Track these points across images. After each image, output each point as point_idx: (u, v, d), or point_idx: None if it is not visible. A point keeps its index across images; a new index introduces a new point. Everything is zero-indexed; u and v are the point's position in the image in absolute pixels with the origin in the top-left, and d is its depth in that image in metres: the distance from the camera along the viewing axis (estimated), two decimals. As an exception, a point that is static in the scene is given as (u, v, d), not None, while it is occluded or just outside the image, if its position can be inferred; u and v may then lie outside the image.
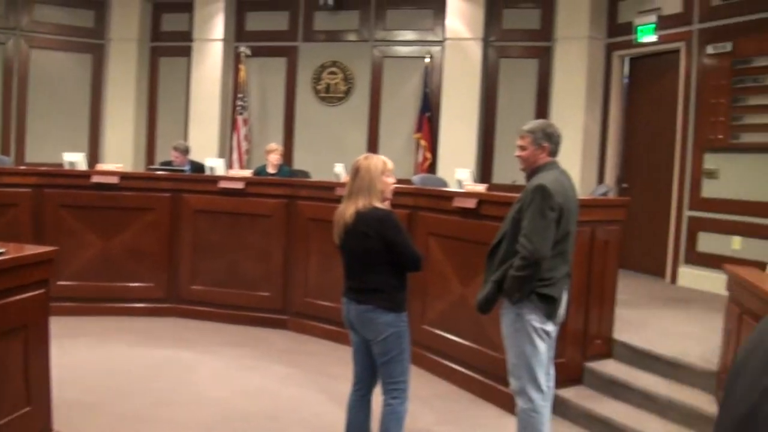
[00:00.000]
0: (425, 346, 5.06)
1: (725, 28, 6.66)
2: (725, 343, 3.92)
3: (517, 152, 3.36)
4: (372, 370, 3.36)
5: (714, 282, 5.80)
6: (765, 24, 6.29)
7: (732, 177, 6.61)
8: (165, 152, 8.31)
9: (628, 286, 6.18)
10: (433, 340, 5.03)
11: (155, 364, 4.90)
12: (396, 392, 3.26)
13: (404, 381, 3.28)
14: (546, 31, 8.31)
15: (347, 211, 3.23)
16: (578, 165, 7.79)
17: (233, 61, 9.31)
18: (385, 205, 3.26)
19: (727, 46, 6.58)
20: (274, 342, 5.66)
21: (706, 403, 3.90)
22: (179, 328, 5.91)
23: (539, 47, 8.38)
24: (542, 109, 8.23)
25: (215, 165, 6.64)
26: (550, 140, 3.30)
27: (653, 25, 7.31)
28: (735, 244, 6.49)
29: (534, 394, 3.24)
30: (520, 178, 3.44)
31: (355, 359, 3.42)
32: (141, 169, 9.19)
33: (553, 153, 3.32)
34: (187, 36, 9.42)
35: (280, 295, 6.07)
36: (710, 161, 6.80)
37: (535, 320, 3.19)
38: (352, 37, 9.06)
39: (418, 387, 4.39)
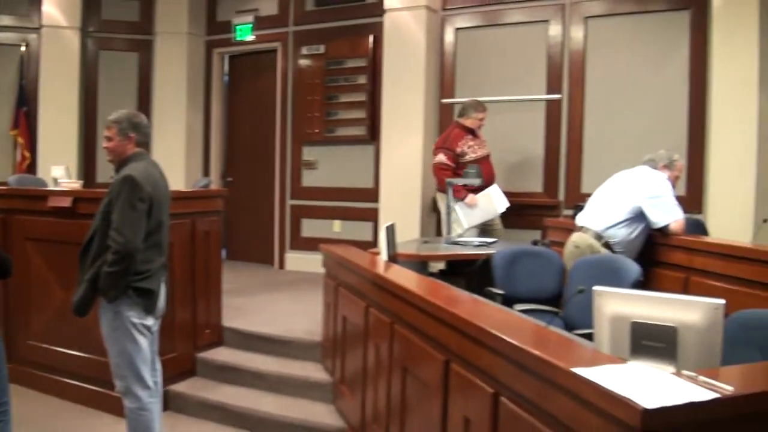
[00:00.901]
0: (32, 362, 4.59)
1: (318, 32, 7.32)
2: (326, 314, 4.31)
3: (104, 143, 3.23)
4: None
5: (318, 263, 6.29)
6: (353, 29, 7.09)
7: (328, 167, 7.33)
8: None
9: (238, 276, 6.44)
10: (40, 355, 4.58)
11: None
12: None
13: (6, 402, 2.96)
14: (146, 24, 8.10)
15: None
16: (183, 160, 7.82)
17: None
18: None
19: (321, 48, 7.26)
20: None
21: (313, 371, 4.24)
22: None
23: (139, 40, 8.13)
24: (145, 103, 8.00)
25: None
26: (137, 130, 3.22)
27: (251, 25, 7.69)
28: (336, 227, 7.21)
29: (140, 392, 3.17)
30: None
31: None
32: None
33: (141, 143, 3.25)
34: None
35: None
36: (308, 153, 7.43)
37: (134, 316, 3.10)
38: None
39: (27, 409, 4.03)
